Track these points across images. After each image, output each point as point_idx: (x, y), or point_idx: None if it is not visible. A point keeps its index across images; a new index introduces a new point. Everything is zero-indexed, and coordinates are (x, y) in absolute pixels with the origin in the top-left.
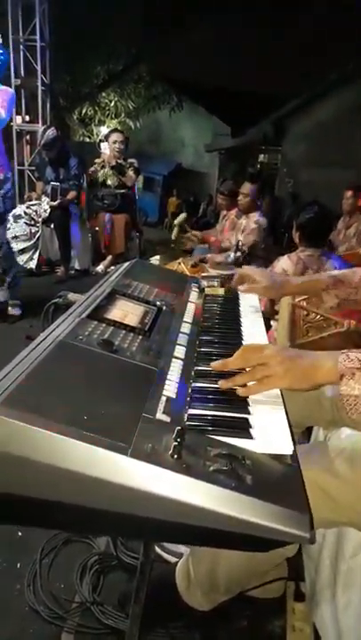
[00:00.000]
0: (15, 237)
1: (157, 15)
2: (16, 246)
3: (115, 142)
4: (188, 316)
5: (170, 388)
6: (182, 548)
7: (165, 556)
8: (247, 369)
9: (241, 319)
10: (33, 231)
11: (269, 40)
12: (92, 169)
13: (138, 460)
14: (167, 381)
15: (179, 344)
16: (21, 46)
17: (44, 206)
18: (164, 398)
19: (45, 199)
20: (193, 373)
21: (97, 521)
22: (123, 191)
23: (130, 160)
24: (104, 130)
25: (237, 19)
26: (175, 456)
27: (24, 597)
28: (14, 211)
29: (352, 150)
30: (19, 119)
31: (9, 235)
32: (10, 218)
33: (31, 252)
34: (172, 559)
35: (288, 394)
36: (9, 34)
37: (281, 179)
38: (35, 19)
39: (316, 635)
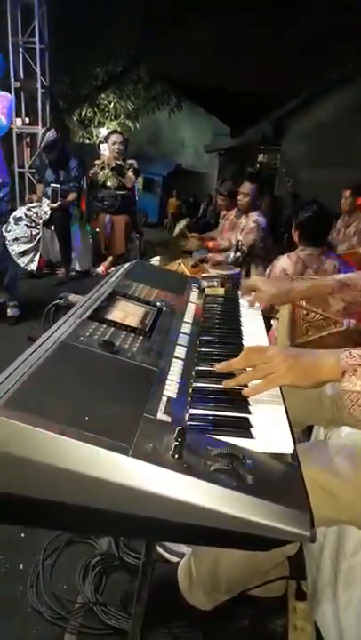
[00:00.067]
0: (16, 239)
1: (157, 15)
2: (17, 248)
3: (114, 143)
4: (189, 317)
5: (170, 388)
6: (184, 548)
7: (167, 555)
8: (250, 369)
9: (241, 319)
10: (34, 233)
11: (269, 40)
12: (92, 172)
13: (139, 460)
14: (168, 381)
15: (179, 344)
16: (21, 49)
17: (45, 208)
18: (164, 398)
19: (46, 201)
20: (194, 373)
21: (99, 521)
22: (123, 192)
23: (129, 161)
24: (104, 131)
25: (237, 19)
26: (176, 456)
27: (27, 598)
28: (15, 213)
29: (352, 150)
30: (19, 121)
31: (9, 237)
32: (10, 220)
33: (32, 254)
34: (174, 559)
35: (288, 393)
36: (8, 36)
37: (280, 178)
38: (34, 21)
39: (317, 633)
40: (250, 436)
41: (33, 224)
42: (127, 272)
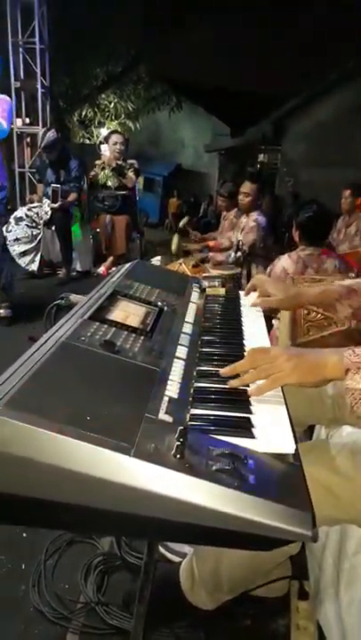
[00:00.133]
0: (17, 240)
1: (157, 15)
2: (17, 248)
3: (115, 144)
4: (190, 317)
5: (172, 389)
6: (186, 548)
7: (169, 555)
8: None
9: (242, 319)
10: (34, 233)
11: (269, 40)
12: (93, 173)
13: (141, 460)
14: (169, 382)
15: (180, 344)
16: (21, 49)
17: (45, 208)
18: (166, 398)
19: (46, 201)
20: (195, 373)
21: (100, 521)
22: (123, 192)
23: (130, 161)
24: (104, 131)
25: (237, 19)
26: (178, 456)
27: (29, 598)
28: (16, 213)
29: (352, 150)
30: (19, 122)
31: (10, 237)
32: (11, 220)
33: (33, 255)
34: (176, 559)
35: (290, 393)
36: (8, 36)
37: (281, 178)
38: (34, 21)
39: (320, 633)
40: (251, 436)
41: (34, 224)
42: (128, 272)
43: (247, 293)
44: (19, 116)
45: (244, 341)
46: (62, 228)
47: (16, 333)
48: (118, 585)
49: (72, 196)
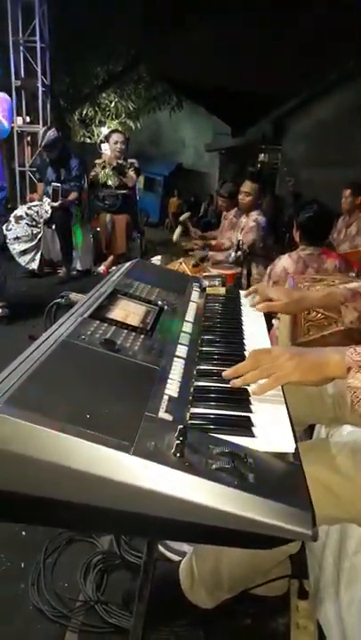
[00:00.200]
0: (17, 238)
1: (157, 15)
2: (18, 247)
3: (116, 143)
4: (190, 316)
5: (172, 387)
6: (186, 547)
7: (169, 554)
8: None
9: (242, 318)
10: (34, 232)
11: (269, 40)
12: (93, 173)
13: (141, 458)
14: (169, 380)
15: (180, 343)
16: (21, 47)
17: (46, 207)
18: (166, 397)
19: (47, 200)
20: (195, 372)
21: (100, 519)
22: (124, 192)
23: (130, 160)
24: (104, 130)
25: (237, 19)
26: (178, 454)
27: (28, 596)
28: (16, 212)
29: (352, 149)
30: (19, 120)
31: (10, 235)
32: (11, 219)
33: (33, 253)
34: (176, 558)
35: (290, 392)
36: (9, 35)
37: (281, 178)
38: (34, 20)
39: (320, 632)
40: (251, 435)
41: (34, 223)
42: (128, 271)
43: (247, 295)
44: (19, 114)
45: (244, 341)
46: (62, 227)
47: (16, 332)
48: (118, 584)
49: (72, 195)
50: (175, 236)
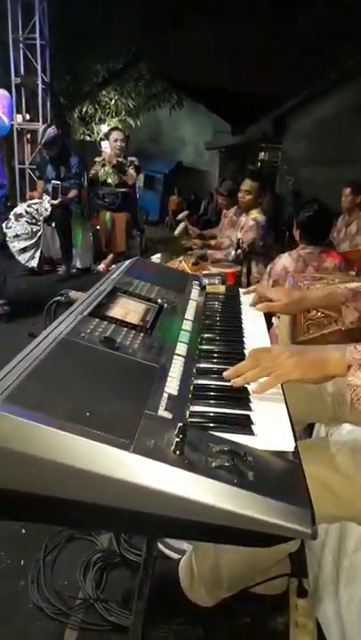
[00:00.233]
0: (17, 236)
1: (157, 15)
2: (17, 245)
3: (115, 140)
4: (190, 314)
5: (172, 385)
6: (185, 545)
7: (168, 552)
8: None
9: (242, 316)
10: (34, 230)
11: (269, 40)
12: (93, 171)
13: (140, 456)
14: (169, 378)
15: (180, 341)
16: (21, 45)
17: (45, 205)
18: (165, 395)
19: (46, 198)
20: (195, 370)
21: (99, 517)
22: (123, 190)
23: (130, 158)
24: (104, 128)
25: (237, 18)
26: (177, 452)
27: (28, 594)
28: (15, 209)
29: (352, 148)
30: (19, 118)
31: (10, 233)
32: (11, 217)
33: (32, 251)
34: (175, 556)
35: (290, 390)
36: (9, 32)
37: (281, 176)
38: (34, 17)
39: (319, 630)
40: (251, 433)
41: (33, 221)
42: (128, 269)
43: (246, 294)
44: (19, 112)
45: (243, 339)
46: (62, 225)
47: (16, 330)
48: (117, 582)
49: (72, 193)
50: (177, 231)
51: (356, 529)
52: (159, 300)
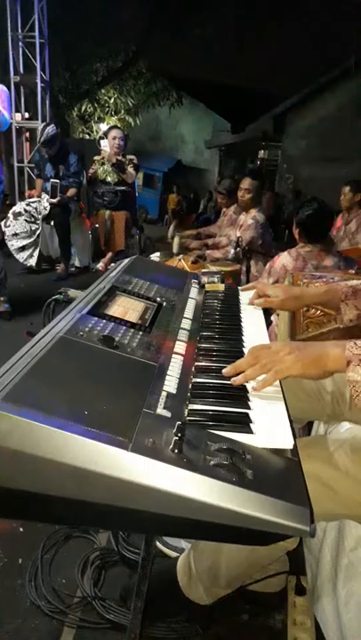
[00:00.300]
0: (15, 235)
1: (157, 13)
2: (16, 243)
3: (114, 138)
4: (189, 312)
5: (170, 384)
6: (183, 543)
7: (166, 550)
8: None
9: (241, 315)
10: (33, 228)
11: (269, 38)
12: (92, 171)
13: (139, 455)
14: (168, 377)
15: (179, 340)
16: (20, 43)
17: (44, 203)
18: (164, 393)
19: (45, 196)
20: (193, 369)
21: (97, 515)
22: (122, 188)
23: (129, 156)
24: (103, 126)
25: (237, 16)
26: (176, 451)
27: (26, 592)
28: (14, 208)
29: (352, 147)
30: (18, 116)
31: (9, 232)
32: (10, 215)
33: (31, 250)
34: (173, 554)
35: (288, 389)
36: (7, 30)
37: (281, 175)
38: (34, 15)
39: (317, 628)
40: (250, 432)
41: (32, 219)
42: (127, 268)
43: (244, 290)
44: (18, 110)
45: (243, 337)
46: (61, 224)
47: (14, 328)
48: (115, 580)
49: (71, 192)
50: (175, 249)
51: (354, 527)
52: (158, 299)
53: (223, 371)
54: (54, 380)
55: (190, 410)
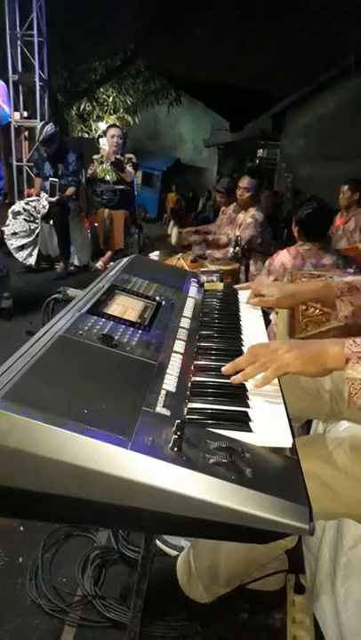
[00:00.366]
0: (14, 234)
1: (157, 13)
2: (15, 242)
3: (112, 137)
4: (188, 311)
5: (170, 382)
6: (183, 542)
7: (166, 549)
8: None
9: (240, 313)
10: (32, 227)
11: (269, 38)
12: (91, 170)
13: (138, 453)
14: (167, 375)
15: (178, 339)
16: (18, 41)
17: (43, 202)
18: (163, 392)
19: (44, 195)
20: (193, 368)
21: (97, 514)
22: (121, 187)
23: (128, 155)
24: (102, 125)
25: (237, 15)
26: (175, 449)
27: (26, 591)
28: (13, 207)
29: (351, 145)
30: (17, 115)
31: (8, 231)
32: (9, 214)
33: (30, 249)
34: (173, 552)
35: (287, 387)
36: (6, 29)
37: (280, 174)
38: (32, 14)
39: (316, 627)
40: (249, 430)
41: (31, 218)
42: (126, 266)
43: (240, 289)
44: (17, 109)
45: (242, 336)
46: (60, 223)
47: (13, 327)
48: (115, 578)
49: (70, 191)
50: (174, 240)
51: (353, 526)
52: (157, 298)
53: (222, 369)
54: (54, 379)
55: (189, 408)
